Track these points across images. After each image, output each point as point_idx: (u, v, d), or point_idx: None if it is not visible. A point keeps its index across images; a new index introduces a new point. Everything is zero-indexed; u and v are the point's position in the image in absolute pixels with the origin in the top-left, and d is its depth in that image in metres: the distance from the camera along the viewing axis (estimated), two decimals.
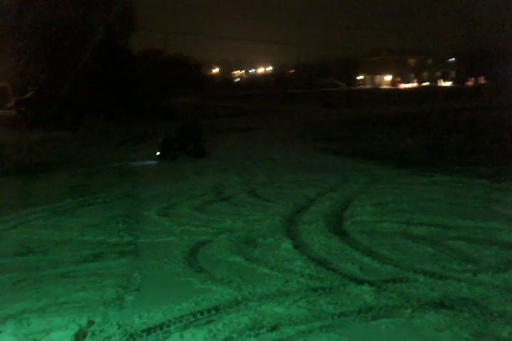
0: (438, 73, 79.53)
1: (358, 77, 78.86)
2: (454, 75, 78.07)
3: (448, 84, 75.01)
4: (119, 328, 3.97)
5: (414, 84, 73.87)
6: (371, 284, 4.63)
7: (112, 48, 27.54)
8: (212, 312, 4.21)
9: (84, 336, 3.89)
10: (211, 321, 4.06)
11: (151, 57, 31.06)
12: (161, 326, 3.99)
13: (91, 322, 4.07)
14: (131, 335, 3.87)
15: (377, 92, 56.65)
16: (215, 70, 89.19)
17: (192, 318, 4.11)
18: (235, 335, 3.83)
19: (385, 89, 67.08)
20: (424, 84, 74.40)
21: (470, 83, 71.36)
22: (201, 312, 4.19)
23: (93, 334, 3.91)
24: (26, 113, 28.55)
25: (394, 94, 53.21)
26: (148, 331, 3.93)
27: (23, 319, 4.20)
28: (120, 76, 26.86)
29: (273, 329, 3.90)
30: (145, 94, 28.81)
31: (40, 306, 4.45)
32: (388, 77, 79.04)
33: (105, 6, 28.67)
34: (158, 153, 13.00)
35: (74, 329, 3.95)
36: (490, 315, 4.00)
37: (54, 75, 27.11)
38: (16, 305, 4.48)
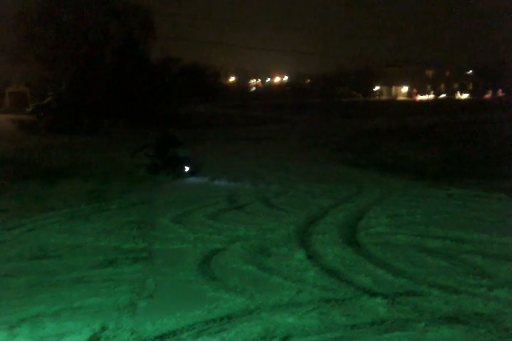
0: (455, 85, 79.08)
1: (375, 88, 78.70)
2: (471, 88, 77.56)
3: (465, 96, 74.49)
4: (132, 334, 4.00)
5: (431, 96, 73.46)
6: (384, 297, 4.60)
7: (131, 56, 27.89)
8: (225, 320, 4.21)
9: None
10: (223, 329, 4.07)
11: (169, 65, 31.38)
12: (173, 333, 4.01)
13: (104, 328, 4.10)
14: None
15: (393, 104, 56.45)
16: (232, 79, 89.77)
17: (204, 326, 4.12)
18: None
19: (401, 101, 66.81)
20: (441, 96, 73.97)
21: (488, 96, 70.81)
22: (214, 320, 4.20)
23: (107, 339, 3.95)
24: (45, 118, 28.99)
25: (410, 105, 52.97)
26: (161, 338, 3.95)
27: (38, 322, 4.25)
28: (139, 83, 27.16)
29: (285, 339, 3.90)
30: (163, 101, 29.08)
31: (54, 310, 4.50)
32: (405, 89, 78.75)
33: (125, 14, 29.12)
34: (187, 169, 11.83)
35: (88, 334, 4.00)
36: (505, 332, 3.95)
37: (73, 81, 27.54)
38: (31, 308, 4.54)
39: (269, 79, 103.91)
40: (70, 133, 24.29)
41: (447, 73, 79.10)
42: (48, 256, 6.08)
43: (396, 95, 78.71)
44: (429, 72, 78.52)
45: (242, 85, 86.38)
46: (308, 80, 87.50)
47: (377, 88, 79.57)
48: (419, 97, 72.14)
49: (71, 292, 4.91)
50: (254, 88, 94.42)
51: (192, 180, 11.53)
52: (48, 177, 12.01)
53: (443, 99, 68.59)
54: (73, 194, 10.04)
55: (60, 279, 5.28)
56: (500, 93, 69.91)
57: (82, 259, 5.92)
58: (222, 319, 4.23)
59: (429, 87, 77.28)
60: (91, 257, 5.99)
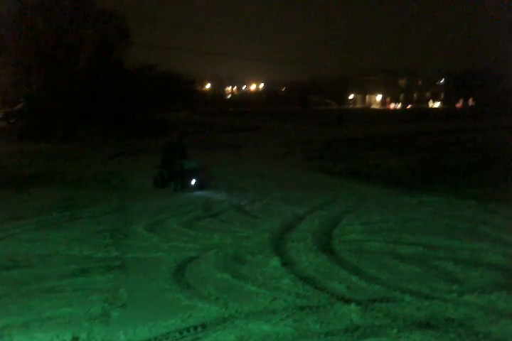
0: (428, 94, 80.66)
1: (349, 97, 79.74)
2: (443, 96, 79.20)
3: (437, 105, 76.00)
4: None
5: (404, 105, 74.72)
6: (358, 303, 4.64)
7: (105, 62, 27.65)
8: (199, 329, 4.18)
9: None
10: (197, 338, 4.03)
11: (144, 72, 31.19)
12: None
13: (75, 338, 4.02)
14: None
15: (367, 112, 57.23)
16: (207, 86, 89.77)
17: (178, 335, 4.08)
18: None
19: (375, 109, 67.77)
20: (413, 105, 75.32)
21: (459, 105, 72.38)
22: (187, 330, 4.16)
23: None
24: (16, 125, 28.42)
25: (384, 114, 53.80)
26: None
27: (5, 335, 4.14)
28: (113, 90, 26.91)
29: None
30: (137, 108, 28.88)
31: (23, 321, 4.39)
32: (379, 97, 79.98)
33: (100, 20, 28.88)
34: (194, 182, 10.99)
35: None
36: (475, 336, 4.01)
37: (46, 87, 27.12)
38: None
39: (244, 87, 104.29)
40: (43, 140, 23.90)
41: (420, 82, 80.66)
42: (18, 266, 5.94)
43: (370, 104, 79.84)
44: (402, 81, 79.94)
45: (218, 92, 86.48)
46: (284, 88, 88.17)
47: (351, 96, 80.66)
48: (393, 106, 73.33)
49: (41, 302, 4.80)
50: (229, 95, 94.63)
51: (199, 193, 10.69)
52: (19, 185, 11.77)
53: (415, 107, 69.77)
54: (45, 202, 9.86)
55: (30, 289, 5.16)
56: (470, 102, 71.53)
57: (53, 269, 5.80)
58: (196, 328, 4.20)
59: (402, 95, 78.63)
60: (62, 266, 5.87)
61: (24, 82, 27.73)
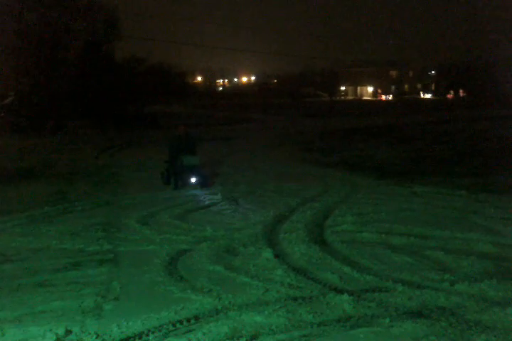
0: (419, 85, 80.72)
1: (341, 88, 79.68)
2: (434, 88, 79.26)
3: (428, 96, 76.11)
4: (97, 337, 3.93)
5: (395, 96, 74.76)
6: (350, 293, 4.66)
7: (95, 56, 27.41)
8: (192, 321, 4.19)
9: None
10: (190, 330, 4.04)
11: (134, 65, 30.98)
12: (139, 335, 3.96)
13: (68, 332, 4.01)
14: None
15: (359, 103, 57.26)
16: (199, 79, 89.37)
17: (171, 327, 4.08)
18: None
19: (366, 101, 67.82)
20: (405, 96, 75.38)
21: (450, 96, 72.46)
22: (181, 322, 4.17)
23: None
24: (6, 119, 28.16)
25: (375, 105, 53.86)
26: (127, 340, 3.89)
27: None
28: (103, 83, 26.71)
29: (253, 338, 3.90)
30: (128, 101, 28.69)
31: (16, 316, 4.37)
32: (370, 89, 80.00)
33: (89, 13, 28.57)
34: (194, 180, 10.44)
35: (51, 338, 3.90)
36: (466, 324, 4.05)
37: (36, 81, 26.86)
38: None
39: (236, 79, 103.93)
40: (33, 134, 23.70)
41: (411, 74, 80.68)
42: (9, 260, 5.91)
43: (361, 95, 79.87)
44: (393, 73, 79.93)
45: (209, 85, 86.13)
46: (275, 80, 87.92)
47: (342, 88, 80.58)
48: (384, 97, 73.39)
49: (33, 296, 4.79)
50: (221, 88, 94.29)
51: (197, 192, 10.09)
52: (9, 179, 11.69)
53: (407, 98, 69.84)
54: (36, 196, 9.79)
55: (22, 283, 5.14)
56: (461, 93, 71.61)
57: (45, 263, 5.78)
58: (189, 320, 4.20)
59: (393, 87, 78.67)
60: (54, 260, 5.85)
61: (13, 76, 27.45)
